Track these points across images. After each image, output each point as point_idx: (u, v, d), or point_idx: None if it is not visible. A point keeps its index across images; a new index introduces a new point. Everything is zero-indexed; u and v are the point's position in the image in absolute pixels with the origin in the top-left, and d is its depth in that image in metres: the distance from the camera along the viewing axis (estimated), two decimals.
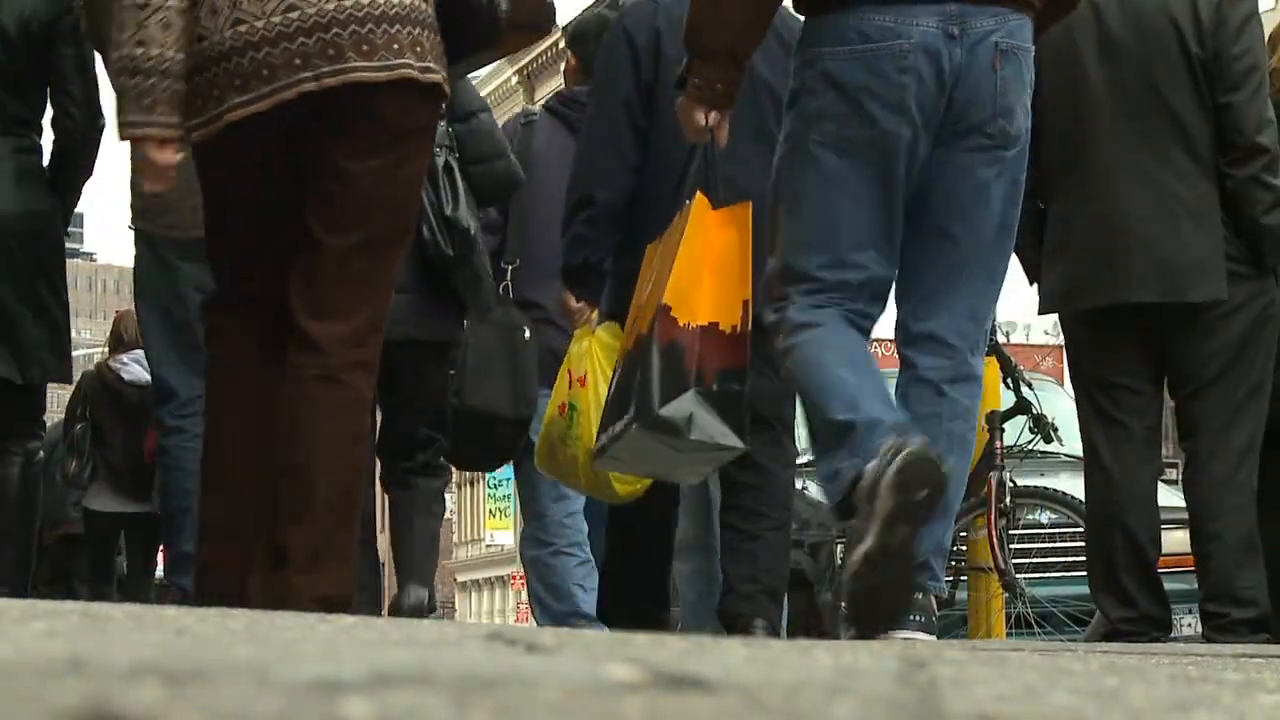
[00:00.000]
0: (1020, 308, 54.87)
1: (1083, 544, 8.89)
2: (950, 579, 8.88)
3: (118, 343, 11.77)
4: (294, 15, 3.94)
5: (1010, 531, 8.66)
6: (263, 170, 4.08)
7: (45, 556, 11.64)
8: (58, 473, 11.35)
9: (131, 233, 5.92)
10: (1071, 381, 6.35)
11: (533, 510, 7.98)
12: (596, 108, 5.76)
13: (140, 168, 4.01)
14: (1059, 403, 10.30)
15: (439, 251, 6.22)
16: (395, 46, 3.97)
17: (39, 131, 6.02)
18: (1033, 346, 53.03)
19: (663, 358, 4.28)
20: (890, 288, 4.41)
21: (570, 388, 5.59)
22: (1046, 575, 9.12)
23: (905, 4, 4.21)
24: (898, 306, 4.46)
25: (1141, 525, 6.04)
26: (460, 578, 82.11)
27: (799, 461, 10.51)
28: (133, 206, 5.70)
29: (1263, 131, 5.98)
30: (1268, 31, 6.28)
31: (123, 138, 3.98)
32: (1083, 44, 6.08)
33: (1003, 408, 8.93)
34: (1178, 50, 5.98)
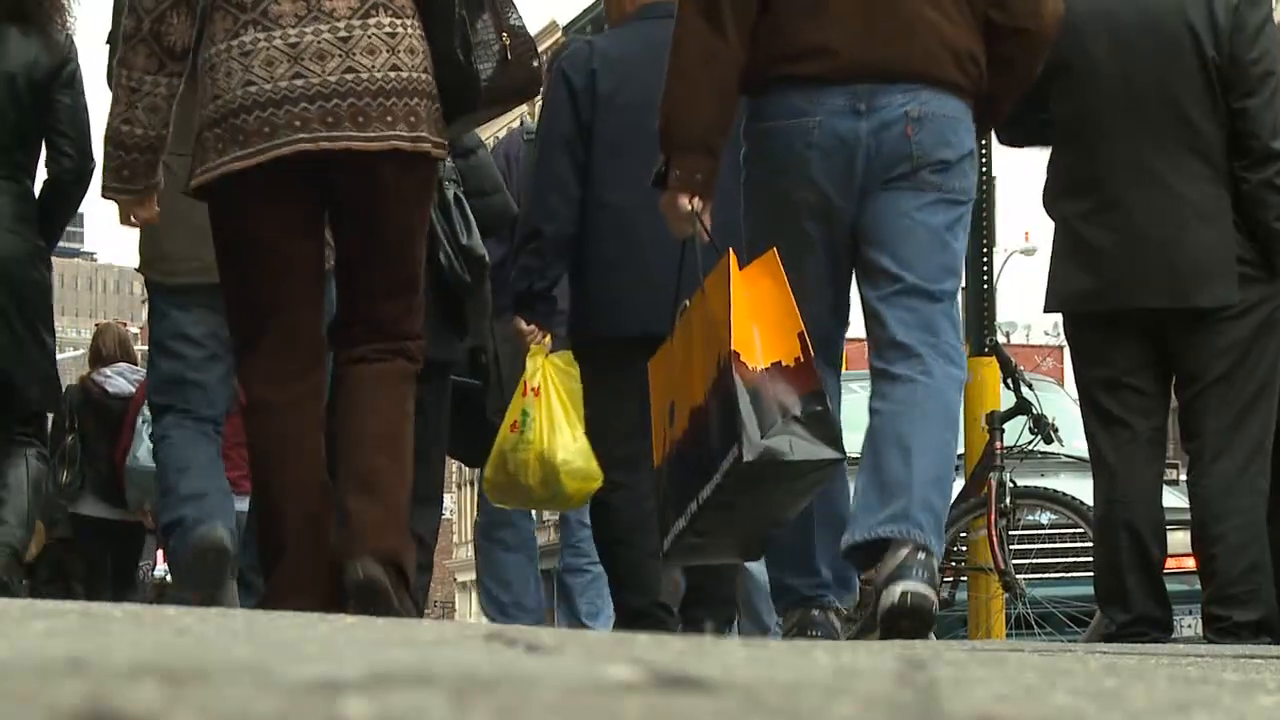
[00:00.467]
0: (1020, 308, 54.97)
1: (1083, 545, 8.92)
2: (950, 579, 8.89)
3: (96, 357, 12.01)
4: (299, 82, 4.36)
5: (1010, 532, 8.66)
6: (272, 223, 4.49)
7: (44, 557, 11.76)
8: (49, 483, 11.49)
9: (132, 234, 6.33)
10: (1075, 382, 6.34)
11: (568, 529, 8.13)
12: (541, 148, 6.24)
13: (122, 217, 4.65)
14: (1059, 403, 10.29)
15: (457, 277, 6.41)
16: (389, 119, 4.38)
17: (33, 176, 6.42)
18: (1032, 347, 53.05)
19: (750, 397, 4.47)
20: (827, 325, 4.93)
21: (525, 396, 6.07)
22: (1046, 576, 9.11)
23: (818, 86, 4.70)
24: (867, 334, 4.95)
25: (1146, 526, 6.04)
26: (460, 578, 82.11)
27: None
28: (140, 254, 6.13)
29: (1278, 136, 5.97)
30: None
31: (104, 197, 4.61)
32: (1096, 47, 6.08)
33: (1002, 408, 8.93)
34: (1193, 54, 5.97)
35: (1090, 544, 8.54)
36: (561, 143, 6.09)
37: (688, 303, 4.79)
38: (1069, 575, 9.07)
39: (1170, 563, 6.20)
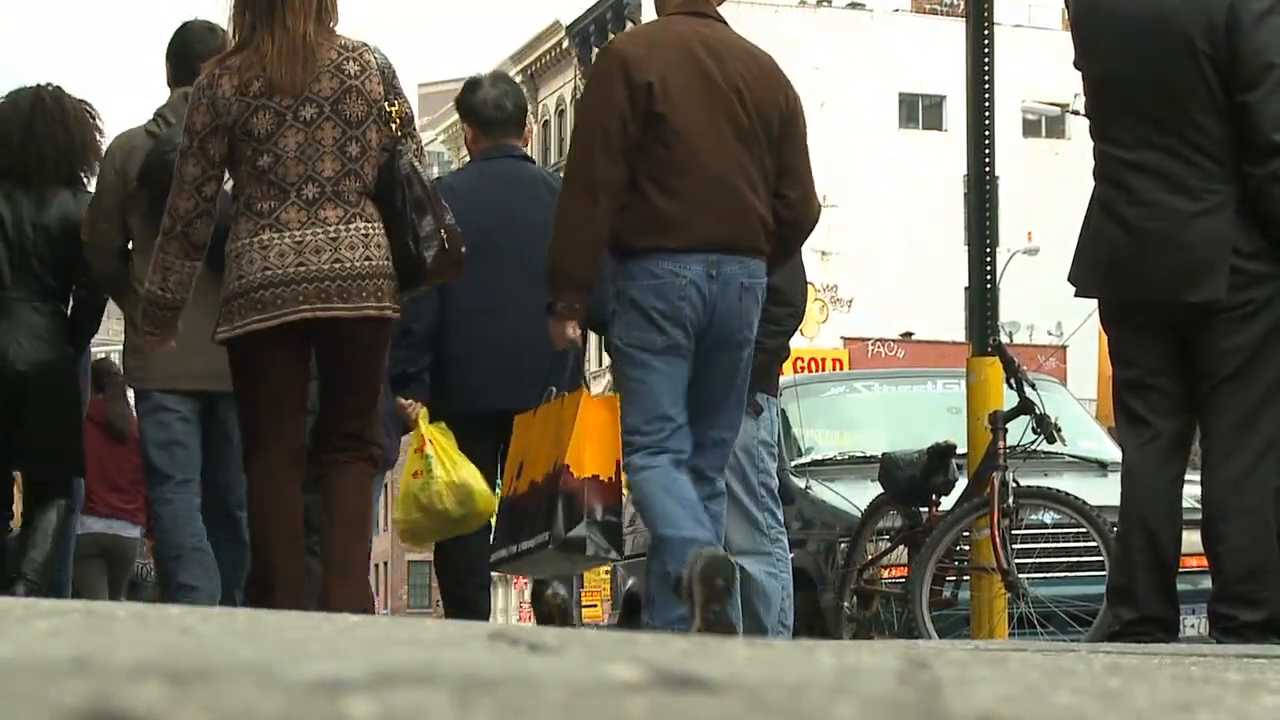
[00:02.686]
0: (1023, 308, 54.94)
1: (1086, 544, 8.91)
2: (953, 579, 8.89)
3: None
4: (301, 270, 6.06)
5: (1013, 532, 8.66)
6: (273, 367, 6.16)
7: None
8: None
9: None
10: (1112, 385, 6.36)
11: None
12: None
13: (150, 348, 6.49)
14: (1062, 403, 10.29)
15: None
16: (363, 294, 6.11)
17: (66, 299, 7.94)
18: (1036, 347, 53.06)
19: (564, 500, 6.12)
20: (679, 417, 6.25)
21: (419, 451, 7.38)
22: (1049, 575, 9.10)
23: (683, 253, 6.14)
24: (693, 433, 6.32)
25: (1161, 525, 6.03)
26: None
27: (803, 461, 10.59)
28: (125, 369, 7.78)
29: None
30: None
31: (144, 342, 6.50)
32: (1106, 51, 6.12)
33: (1006, 408, 8.93)
34: (1190, 53, 5.98)
35: (1092, 544, 8.56)
36: None
37: (554, 390, 6.37)
38: (1072, 575, 9.06)
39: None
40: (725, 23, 6.48)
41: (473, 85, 7.93)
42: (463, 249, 6.20)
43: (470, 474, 7.26)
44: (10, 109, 7.81)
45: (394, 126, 6.19)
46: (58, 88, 7.90)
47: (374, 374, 6.29)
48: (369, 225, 6.14)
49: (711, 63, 6.26)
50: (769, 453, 7.99)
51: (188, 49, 7.49)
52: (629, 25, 66.26)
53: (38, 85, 7.89)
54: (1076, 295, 6.33)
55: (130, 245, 7.38)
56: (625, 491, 6.29)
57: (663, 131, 6.16)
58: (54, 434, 7.79)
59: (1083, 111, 6.31)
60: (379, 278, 6.11)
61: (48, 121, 7.71)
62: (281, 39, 6.10)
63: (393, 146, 6.18)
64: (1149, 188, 6.04)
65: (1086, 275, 6.23)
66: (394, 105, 6.21)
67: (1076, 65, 6.26)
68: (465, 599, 7.62)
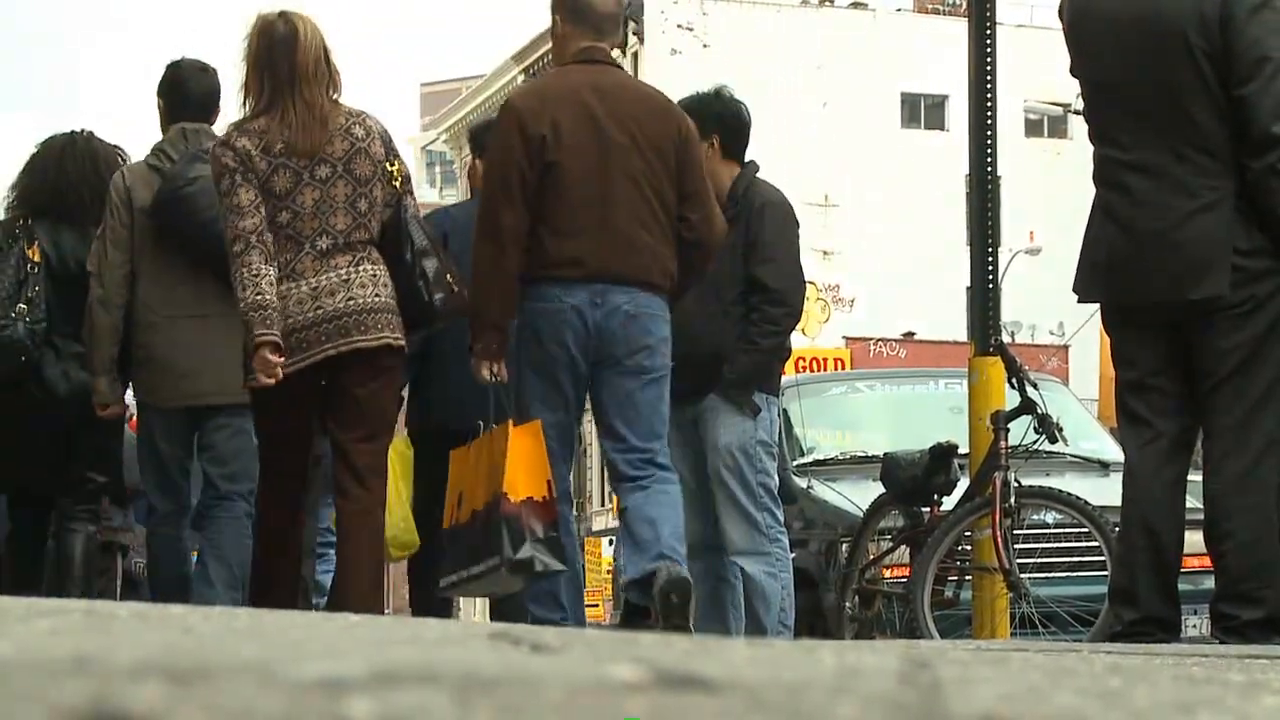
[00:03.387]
0: (1025, 308, 54.98)
1: (1087, 544, 8.91)
2: (955, 579, 8.88)
3: None
4: (319, 313, 6.64)
5: (1015, 531, 8.65)
6: (296, 407, 6.70)
7: None
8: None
9: None
10: (1114, 387, 6.36)
11: None
12: None
13: (265, 357, 6.56)
14: (1064, 403, 10.28)
15: None
16: (378, 326, 6.70)
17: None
18: (1038, 346, 53.05)
19: (508, 523, 6.66)
20: (567, 432, 7.06)
21: None
22: (1051, 575, 9.10)
23: (570, 283, 6.81)
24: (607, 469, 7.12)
25: (1163, 527, 6.03)
26: None
27: (805, 461, 10.59)
28: (134, 385, 7.90)
29: (1279, 121, 5.94)
30: None
31: (257, 354, 6.54)
32: (1102, 53, 6.12)
33: (1007, 408, 8.92)
34: (1185, 50, 5.98)
35: (1094, 544, 8.55)
36: None
37: (481, 424, 6.96)
38: (1073, 575, 9.05)
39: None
40: (619, 67, 7.27)
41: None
42: (467, 292, 6.82)
43: (392, 523, 7.47)
44: (44, 152, 8.28)
45: (396, 184, 6.85)
46: (89, 133, 8.37)
47: (390, 402, 6.90)
48: (376, 267, 6.76)
49: (603, 109, 6.90)
50: (768, 453, 8.00)
51: (183, 86, 7.92)
52: (631, 24, 66.25)
53: (71, 131, 8.34)
54: (1080, 302, 6.33)
55: (130, 272, 7.74)
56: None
57: (556, 178, 6.82)
58: (97, 462, 8.23)
59: (1083, 115, 6.33)
60: (389, 313, 6.73)
61: (79, 163, 8.12)
62: (300, 107, 6.71)
63: (396, 201, 6.84)
64: (1147, 188, 6.04)
65: (1087, 279, 6.23)
66: (394, 165, 6.88)
67: (1073, 72, 6.27)
68: (432, 605, 7.78)
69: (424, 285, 6.78)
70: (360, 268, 6.72)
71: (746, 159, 8.17)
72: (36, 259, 7.99)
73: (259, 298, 6.58)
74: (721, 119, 8.06)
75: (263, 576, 6.84)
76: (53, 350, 8.02)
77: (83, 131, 8.38)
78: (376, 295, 6.71)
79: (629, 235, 6.85)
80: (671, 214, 6.95)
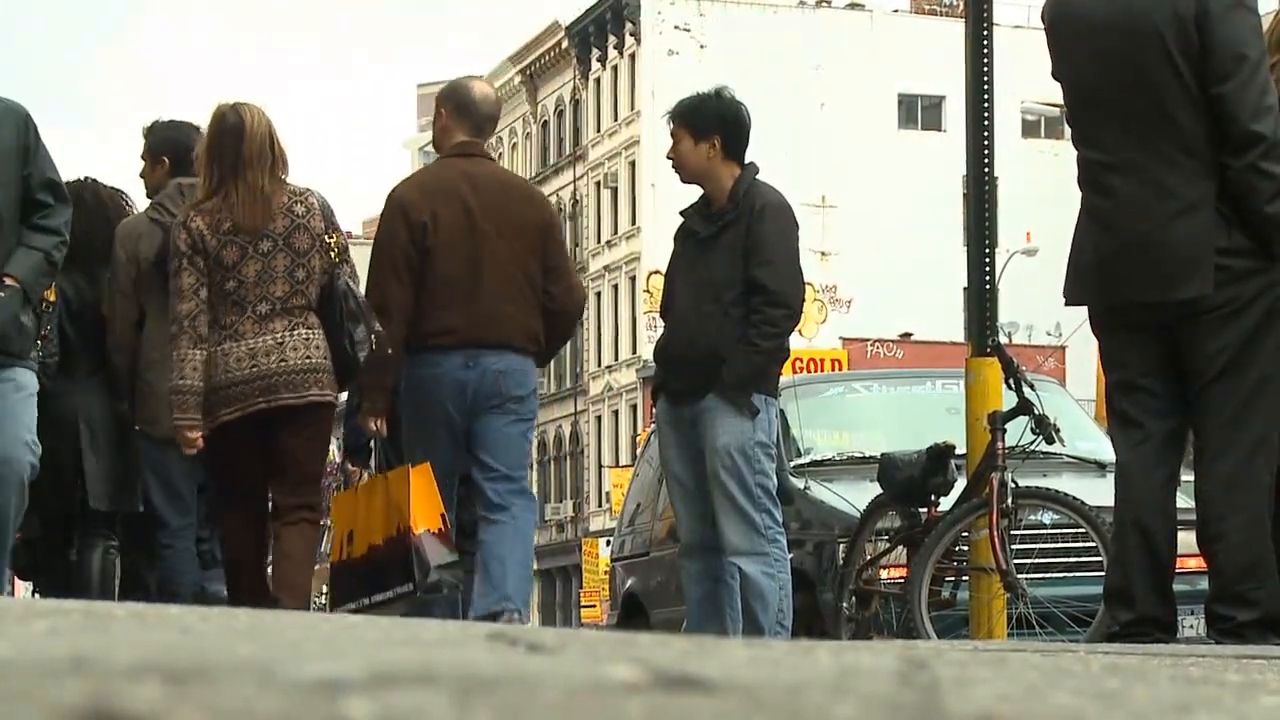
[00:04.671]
0: (1022, 309, 55.03)
1: (1084, 545, 8.91)
2: (952, 579, 8.88)
3: None
4: (254, 370, 7.61)
5: (1012, 532, 8.65)
6: (239, 450, 7.68)
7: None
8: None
9: None
10: (1105, 388, 6.36)
11: None
12: None
13: (187, 434, 7.64)
14: (1061, 404, 10.28)
15: None
16: (306, 385, 7.64)
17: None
18: (1034, 347, 53.07)
19: (415, 554, 7.59)
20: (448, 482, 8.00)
21: None
22: (1048, 576, 9.10)
23: (447, 350, 7.90)
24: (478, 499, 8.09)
25: (1157, 527, 6.03)
26: None
27: (802, 462, 10.59)
28: (137, 418, 8.60)
29: (1259, 119, 5.93)
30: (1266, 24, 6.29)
31: (180, 434, 7.62)
32: (1079, 58, 6.13)
33: (1004, 408, 8.92)
34: (1160, 47, 6.00)
35: (1091, 544, 8.55)
36: None
37: (365, 475, 8.40)
38: (1071, 575, 9.06)
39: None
40: (493, 159, 8.42)
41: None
42: (389, 350, 7.79)
43: None
44: None
45: (333, 255, 7.80)
46: (94, 181, 9.10)
47: (320, 450, 7.96)
48: (310, 331, 7.71)
49: (475, 201, 7.98)
50: (766, 454, 8.00)
51: (181, 145, 8.72)
52: (628, 25, 66.24)
53: (77, 181, 8.91)
54: (1068, 304, 6.33)
55: (138, 318, 8.48)
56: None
57: (434, 259, 7.91)
58: (113, 474, 8.84)
59: (1065, 118, 6.33)
60: (319, 372, 7.69)
61: (89, 215, 8.66)
62: (244, 190, 7.67)
63: (332, 271, 7.77)
64: (1130, 190, 6.04)
65: (1074, 282, 6.23)
66: (333, 238, 7.82)
67: (1054, 75, 6.28)
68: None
69: (349, 344, 7.76)
70: (295, 332, 7.70)
71: (747, 160, 8.18)
72: (52, 299, 8.45)
73: (182, 382, 7.60)
74: (723, 119, 8.06)
75: (231, 596, 7.83)
76: (68, 380, 8.63)
77: (88, 181, 9.02)
78: (308, 357, 7.70)
79: (495, 308, 7.92)
80: (535, 287, 8.03)
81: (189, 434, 7.64)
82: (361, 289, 7.90)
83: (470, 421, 7.95)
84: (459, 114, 8.07)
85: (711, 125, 7.96)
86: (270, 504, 7.90)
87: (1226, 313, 5.96)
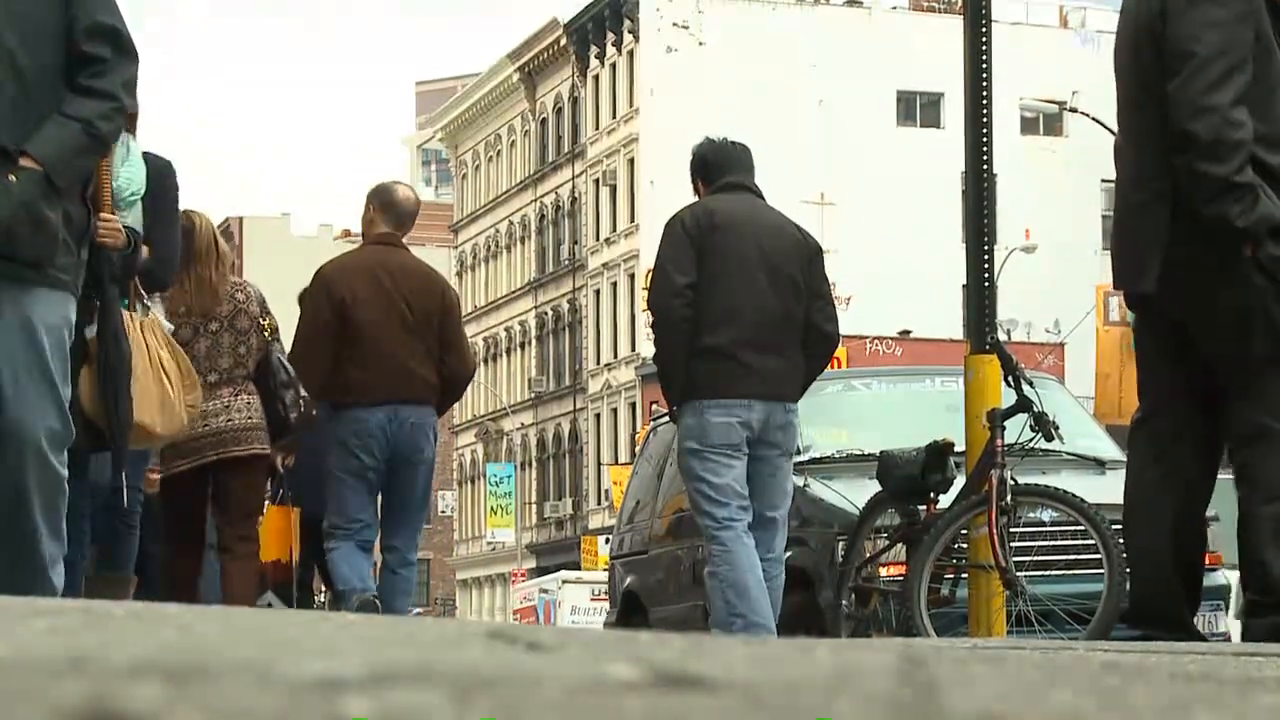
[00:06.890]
0: (1021, 306, 55.11)
1: (1084, 542, 8.91)
2: (951, 577, 8.89)
3: None
4: (206, 429, 9.15)
5: (1011, 529, 8.66)
6: (191, 494, 9.42)
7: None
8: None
9: None
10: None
11: None
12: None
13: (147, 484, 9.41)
14: (1060, 401, 10.29)
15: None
16: (249, 440, 9.41)
17: None
18: (1034, 344, 53.06)
19: (262, 578, 10.14)
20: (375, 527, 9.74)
21: None
22: (1047, 573, 9.11)
23: (372, 406, 9.35)
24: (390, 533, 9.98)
25: (1161, 527, 6.02)
26: (460, 575, 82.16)
27: (801, 459, 10.59)
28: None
29: (1196, 118, 5.84)
30: None
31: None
32: (1119, 31, 6.22)
33: (1003, 406, 8.93)
34: (1132, 39, 6.04)
35: (1090, 542, 8.56)
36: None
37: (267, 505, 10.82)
38: (1070, 573, 9.07)
39: None
40: (406, 249, 9.79)
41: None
42: (314, 412, 9.74)
43: None
44: None
45: (267, 334, 9.54)
46: None
47: (257, 492, 9.87)
48: (250, 397, 9.51)
49: (389, 282, 9.47)
50: (698, 459, 8.24)
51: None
52: (627, 23, 66.24)
53: None
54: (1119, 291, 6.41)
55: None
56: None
57: (354, 330, 9.36)
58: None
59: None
60: (258, 429, 9.49)
61: None
62: (194, 281, 9.33)
63: (266, 348, 9.55)
64: (1121, 176, 6.13)
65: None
66: (266, 320, 9.59)
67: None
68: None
69: (282, 408, 9.61)
70: (239, 397, 9.45)
71: (725, 179, 8.64)
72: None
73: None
74: (693, 166, 8.86)
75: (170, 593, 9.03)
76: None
77: None
78: (249, 418, 9.46)
79: (407, 369, 9.42)
80: (435, 356, 9.53)
81: (151, 476, 9.24)
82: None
83: (389, 464, 9.46)
84: (384, 210, 9.61)
85: (695, 171, 8.84)
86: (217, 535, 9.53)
87: (1219, 319, 5.93)
